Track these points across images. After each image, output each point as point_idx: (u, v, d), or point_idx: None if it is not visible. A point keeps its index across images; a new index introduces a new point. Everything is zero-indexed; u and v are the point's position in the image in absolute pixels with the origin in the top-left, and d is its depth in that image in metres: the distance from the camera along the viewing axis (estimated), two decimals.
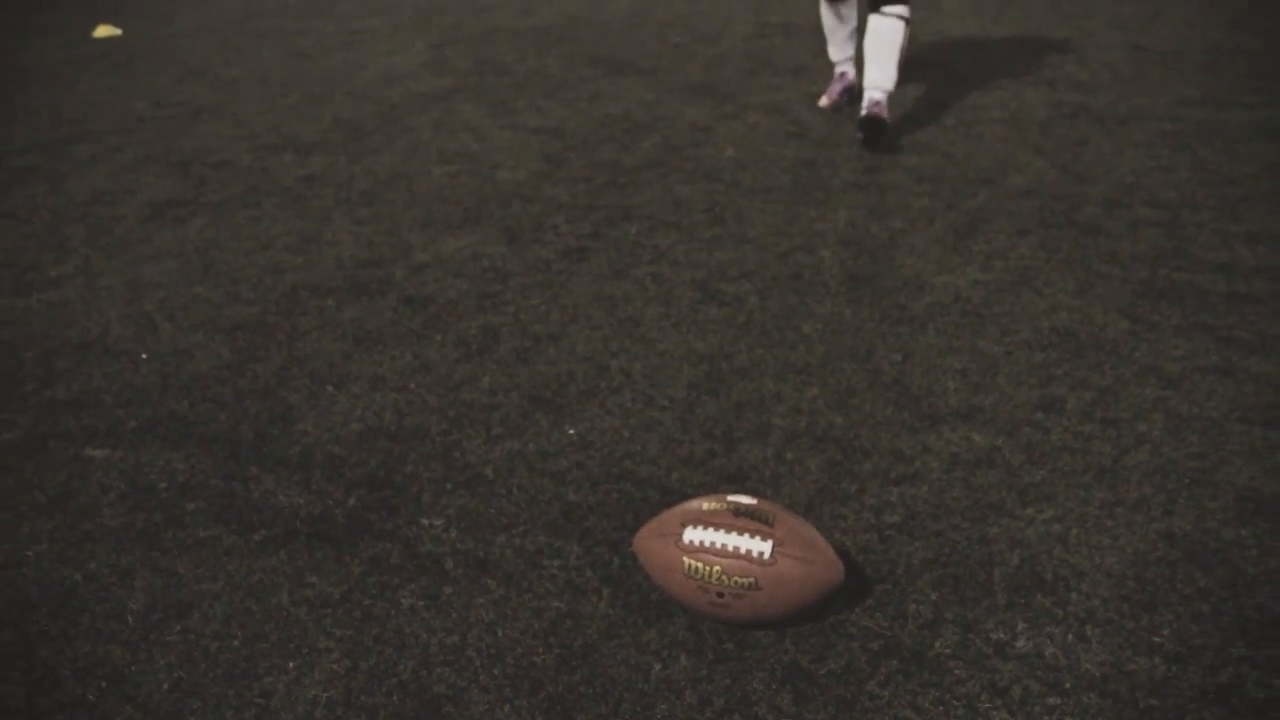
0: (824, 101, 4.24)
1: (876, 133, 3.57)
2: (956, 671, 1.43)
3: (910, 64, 4.88)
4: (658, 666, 1.47)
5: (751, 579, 1.44)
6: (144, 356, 2.45)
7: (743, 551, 1.45)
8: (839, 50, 4.23)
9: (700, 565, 1.46)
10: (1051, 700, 1.38)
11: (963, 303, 2.51)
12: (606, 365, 2.30)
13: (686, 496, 1.81)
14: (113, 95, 5.16)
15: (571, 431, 2.05)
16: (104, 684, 1.49)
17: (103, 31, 6.97)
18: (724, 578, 1.45)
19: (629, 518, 1.77)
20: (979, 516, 1.74)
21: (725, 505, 1.50)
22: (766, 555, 1.44)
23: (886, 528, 1.73)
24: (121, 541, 1.79)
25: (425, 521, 1.80)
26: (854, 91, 4.24)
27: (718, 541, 1.46)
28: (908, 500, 1.79)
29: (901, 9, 3.57)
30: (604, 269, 2.80)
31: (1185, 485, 1.80)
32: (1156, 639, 1.47)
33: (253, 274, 2.89)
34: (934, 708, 1.38)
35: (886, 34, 3.58)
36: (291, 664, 1.51)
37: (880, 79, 3.63)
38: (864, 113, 3.60)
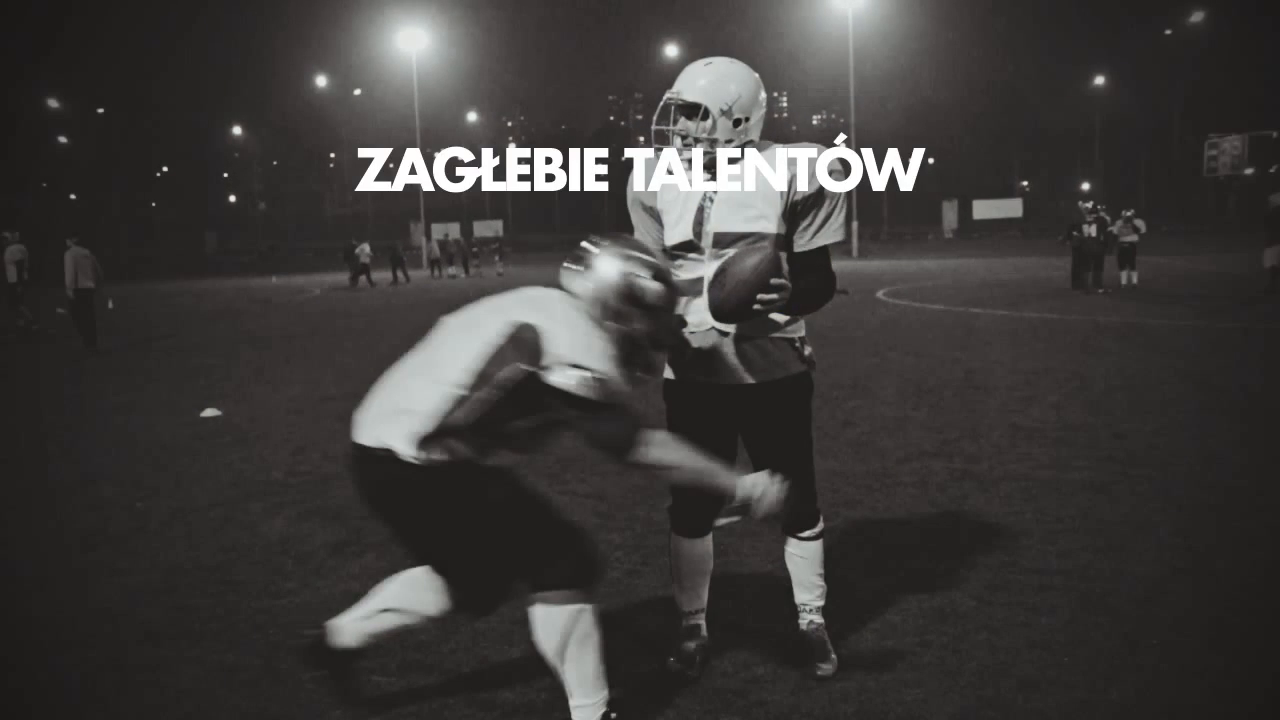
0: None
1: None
2: None
3: (844, 438, 6.98)
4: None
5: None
6: None
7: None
8: (692, 597, 3.73)
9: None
10: None
11: (867, 590, 4.34)
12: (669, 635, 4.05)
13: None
14: (250, 465, 7.11)
15: (672, 659, 3.78)
16: None
17: (209, 413, 9.05)
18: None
19: (718, 703, 3.48)
20: (878, 695, 3.48)
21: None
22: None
23: (821, 693, 3.46)
24: (425, 714, 3.46)
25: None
26: (708, 648, 3.75)
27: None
28: (844, 689, 3.53)
29: (819, 526, 3.59)
30: (654, 585, 4.61)
31: (990, 676, 3.56)
32: None
33: None
34: None
35: (810, 556, 3.61)
36: None
37: (812, 599, 3.69)
38: (817, 667, 3.60)
